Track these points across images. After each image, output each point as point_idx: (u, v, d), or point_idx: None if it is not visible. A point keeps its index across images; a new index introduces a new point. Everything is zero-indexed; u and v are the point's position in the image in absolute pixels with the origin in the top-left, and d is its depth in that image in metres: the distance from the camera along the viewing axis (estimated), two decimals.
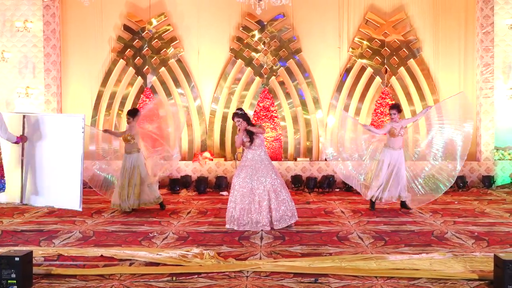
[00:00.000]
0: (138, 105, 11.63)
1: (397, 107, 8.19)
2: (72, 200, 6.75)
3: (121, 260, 5.17)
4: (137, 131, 8.18)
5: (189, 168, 11.18)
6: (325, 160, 10.82)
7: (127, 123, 8.23)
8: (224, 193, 10.21)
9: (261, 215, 6.56)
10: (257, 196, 6.60)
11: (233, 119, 6.88)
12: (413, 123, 8.74)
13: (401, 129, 7.98)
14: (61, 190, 6.82)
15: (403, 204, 8.09)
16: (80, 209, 6.85)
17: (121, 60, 11.64)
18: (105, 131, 8.72)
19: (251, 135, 6.74)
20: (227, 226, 6.69)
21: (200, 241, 6.07)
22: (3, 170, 6.57)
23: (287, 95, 11.60)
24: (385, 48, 11.46)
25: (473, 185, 10.88)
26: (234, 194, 6.69)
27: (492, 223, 7.02)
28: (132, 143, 8.08)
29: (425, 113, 8.39)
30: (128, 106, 11.64)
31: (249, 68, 11.58)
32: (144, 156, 8.27)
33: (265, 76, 11.58)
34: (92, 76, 11.69)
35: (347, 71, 11.57)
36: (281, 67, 11.57)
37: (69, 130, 6.83)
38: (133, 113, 8.25)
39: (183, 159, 11.40)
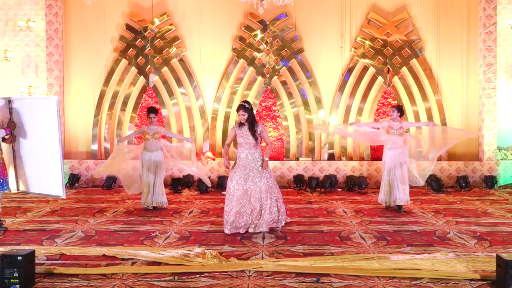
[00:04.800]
0: (140, 105, 11.66)
1: (398, 107, 8.16)
2: (55, 186, 6.38)
3: (123, 259, 5.18)
4: (162, 130, 8.37)
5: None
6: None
7: (150, 121, 8.24)
8: (225, 192, 10.21)
9: (254, 217, 6.43)
10: (252, 198, 6.46)
11: (237, 110, 6.61)
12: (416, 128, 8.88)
13: (399, 129, 7.95)
14: (43, 176, 6.48)
15: (399, 208, 7.95)
16: (64, 196, 6.47)
17: (124, 59, 11.65)
18: (121, 140, 8.76)
19: (253, 132, 6.53)
20: (224, 230, 6.52)
21: (202, 240, 6.07)
22: (5, 169, 6.49)
23: (289, 94, 11.60)
24: (388, 47, 11.44)
25: (475, 185, 10.86)
26: (229, 198, 6.54)
27: (495, 223, 7.01)
28: (157, 141, 8.20)
29: (428, 125, 8.62)
30: (130, 106, 11.67)
31: (251, 68, 11.58)
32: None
33: (267, 75, 11.57)
34: (94, 76, 11.71)
35: (349, 70, 11.56)
36: (283, 67, 11.57)
37: (43, 114, 6.38)
38: (157, 111, 8.39)
39: None
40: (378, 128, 8.35)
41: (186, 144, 8.84)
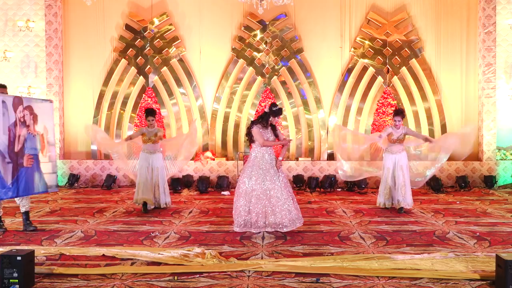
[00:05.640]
0: (140, 105, 11.67)
1: (401, 114, 8.07)
2: None
3: (122, 259, 5.17)
4: (160, 130, 8.33)
5: (191, 168, 11.18)
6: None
7: (149, 124, 8.18)
8: (226, 192, 10.21)
9: (280, 215, 6.31)
10: (272, 198, 6.37)
11: (278, 114, 6.54)
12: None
13: (400, 135, 7.93)
14: None
15: (400, 210, 7.93)
16: None
17: (123, 59, 11.65)
18: (128, 139, 8.52)
19: (276, 134, 6.58)
20: (239, 229, 6.39)
21: (201, 240, 6.07)
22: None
23: (289, 94, 11.60)
24: (387, 48, 11.45)
25: (475, 185, 10.87)
26: (247, 197, 6.40)
27: (494, 223, 7.01)
28: (156, 144, 8.16)
29: (431, 142, 8.47)
30: (130, 106, 11.67)
31: (251, 68, 11.59)
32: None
33: (267, 75, 11.58)
34: (94, 76, 11.71)
35: (349, 70, 11.56)
36: (283, 67, 11.57)
37: None
38: (155, 113, 8.34)
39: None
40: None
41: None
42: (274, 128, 6.61)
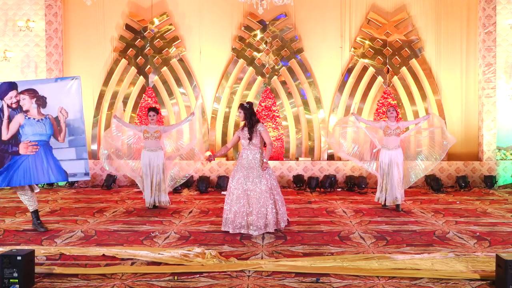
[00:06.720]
0: (140, 105, 11.67)
1: (395, 108, 8.24)
2: None
3: (122, 259, 5.17)
4: (161, 129, 8.32)
5: (190, 168, 11.17)
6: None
7: (150, 120, 8.24)
8: (225, 192, 10.20)
9: (255, 217, 6.32)
10: (251, 199, 6.38)
11: (239, 107, 6.67)
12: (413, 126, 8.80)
13: (396, 129, 8.00)
14: None
15: (397, 207, 8.01)
16: None
17: (123, 59, 11.65)
18: (115, 117, 8.44)
19: (251, 132, 6.50)
20: (222, 228, 6.50)
21: (201, 240, 6.07)
22: None
23: (289, 94, 11.60)
24: (387, 47, 11.44)
25: (475, 185, 10.86)
26: (230, 197, 6.50)
27: (494, 223, 7.01)
28: (157, 141, 8.18)
29: (426, 119, 8.52)
30: (130, 106, 11.67)
31: (251, 68, 11.59)
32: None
33: (267, 75, 11.58)
34: (94, 76, 11.70)
35: (349, 70, 11.56)
36: (283, 67, 11.57)
37: None
38: (157, 110, 8.37)
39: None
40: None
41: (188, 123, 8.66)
42: (250, 131, 6.51)
